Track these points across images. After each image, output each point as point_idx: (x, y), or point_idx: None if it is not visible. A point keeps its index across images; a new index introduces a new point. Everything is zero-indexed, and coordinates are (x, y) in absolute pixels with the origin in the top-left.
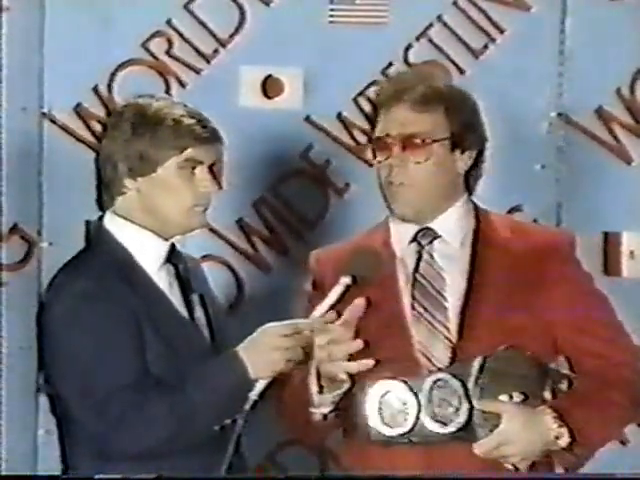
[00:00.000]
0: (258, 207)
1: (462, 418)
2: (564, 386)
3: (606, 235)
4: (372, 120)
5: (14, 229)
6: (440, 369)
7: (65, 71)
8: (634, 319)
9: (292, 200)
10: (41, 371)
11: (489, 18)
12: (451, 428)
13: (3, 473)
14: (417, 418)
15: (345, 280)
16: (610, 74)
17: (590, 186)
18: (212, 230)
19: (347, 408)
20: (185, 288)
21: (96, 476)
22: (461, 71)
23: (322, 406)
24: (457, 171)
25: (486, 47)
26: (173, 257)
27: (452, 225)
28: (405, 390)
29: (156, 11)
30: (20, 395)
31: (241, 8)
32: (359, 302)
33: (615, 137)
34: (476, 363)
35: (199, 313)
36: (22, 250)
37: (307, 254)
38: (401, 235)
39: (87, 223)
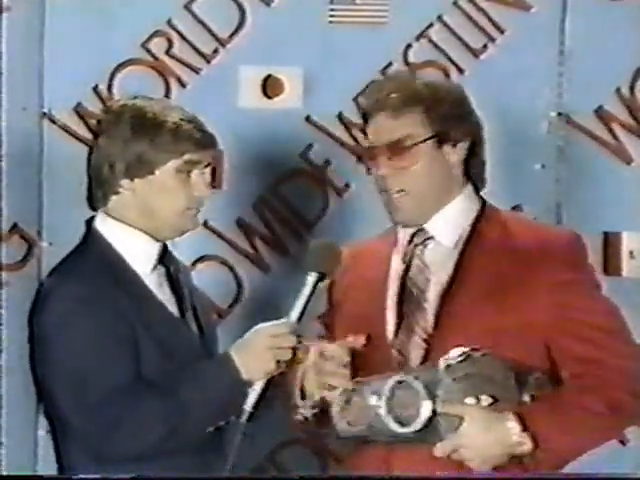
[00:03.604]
0: (258, 207)
1: (422, 419)
2: (547, 391)
3: (606, 235)
4: (364, 131)
5: (14, 229)
6: (406, 370)
7: (65, 71)
8: (634, 319)
9: (292, 200)
10: (34, 373)
11: (489, 18)
12: (410, 429)
13: (3, 473)
14: (379, 418)
15: (311, 278)
16: (610, 74)
17: (590, 186)
18: (212, 230)
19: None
20: (176, 288)
21: (85, 476)
22: (461, 71)
23: (303, 409)
24: (450, 166)
25: (486, 47)
26: (165, 258)
27: (447, 224)
28: (368, 390)
29: (156, 11)
30: (20, 395)
31: (241, 8)
32: (360, 339)
33: (615, 137)
34: (441, 365)
35: (189, 313)
36: (22, 250)
37: None
38: (404, 238)
39: (87, 223)
